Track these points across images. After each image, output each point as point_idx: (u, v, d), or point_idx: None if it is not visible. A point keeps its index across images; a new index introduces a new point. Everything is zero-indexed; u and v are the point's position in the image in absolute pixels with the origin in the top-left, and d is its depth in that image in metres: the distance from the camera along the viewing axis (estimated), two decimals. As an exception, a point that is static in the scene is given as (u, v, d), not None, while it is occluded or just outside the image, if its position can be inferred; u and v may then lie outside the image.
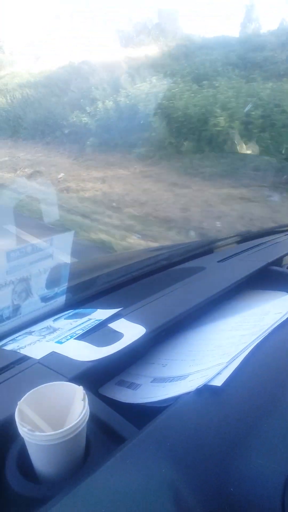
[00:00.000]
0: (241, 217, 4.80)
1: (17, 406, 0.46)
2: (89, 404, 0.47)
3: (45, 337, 0.72)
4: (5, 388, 0.58)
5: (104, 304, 0.85)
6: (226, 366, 0.59)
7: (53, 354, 0.65)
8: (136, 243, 4.30)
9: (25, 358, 0.65)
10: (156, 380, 0.65)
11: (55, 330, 0.75)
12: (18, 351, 0.68)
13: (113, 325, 0.74)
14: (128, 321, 0.75)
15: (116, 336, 0.70)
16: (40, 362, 0.64)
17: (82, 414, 0.45)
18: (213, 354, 0.66)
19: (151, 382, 0.65)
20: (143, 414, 0.54)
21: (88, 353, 0.65)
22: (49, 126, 11.17)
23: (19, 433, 0.45)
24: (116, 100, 9.51)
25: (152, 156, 7.71)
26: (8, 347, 0.70)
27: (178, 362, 0.68)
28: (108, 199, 6.09)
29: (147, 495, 0.42)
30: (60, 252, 0.82)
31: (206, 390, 0.55)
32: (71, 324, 0.76)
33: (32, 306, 0.80)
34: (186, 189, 6.10)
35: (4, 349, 0.70)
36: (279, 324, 0.72)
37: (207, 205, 5.31)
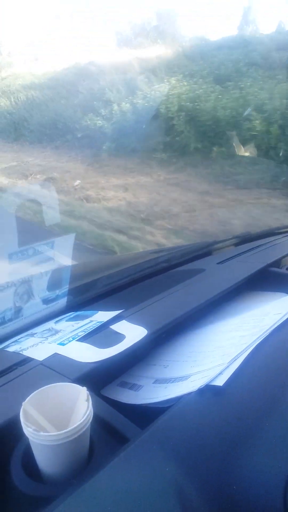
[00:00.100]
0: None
1: (22, 407, 0.47)
2: (92, 405, 0.48)
3: (47, 338, 0.73)
4: (9, 389, 0.59)
5: (105, 306, 0.85)
6: (227, 367, 0.60)
7: (55, 355, 0.66)
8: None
9: (28, 360, 0.66)
10: (158, 381, 0.65)
11: (57, 332, 0.75)
12: (20, 352, 0.69)
13: (115, 327, 0.75)
14: (129, 323, 0.76)
15: (118, 337, 0.71)
16: (43, 363, 0.64)
17: (86, 414, 0.46)
18: (214, 355, 0.67)
19: (153, 383, 0.65)
20: (146, 415, 0.54)
21: (90, 354, 0.65)
22: (58, 130, 10.60)
23: (24, 434, 0.45)
24: (133, 102, 8.92)
25: (176, 162, 7.17)
26: (11, 349, 0.71)
27: (179, 363, 0.69)
28: (135, 209, 5.49)
29: (150, 494, 0.43)
30: (61, 254, 0.83)
31: (207, 391, 0.56)
32: (73, 326, 0.77)
33: (34, 308, 0.81)
34: (221, 198, 5.50)
35: (7, 350, 0.71)
36: (279, 325, 0.72)
37: (250, 218, 4.76)
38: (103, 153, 8.44)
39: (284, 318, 0.75)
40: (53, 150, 10.00)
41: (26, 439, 0.46)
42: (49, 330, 0.77)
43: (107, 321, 0.77)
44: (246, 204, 5.21)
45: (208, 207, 5.25)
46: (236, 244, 1.36)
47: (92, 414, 0.47)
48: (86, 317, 0.80)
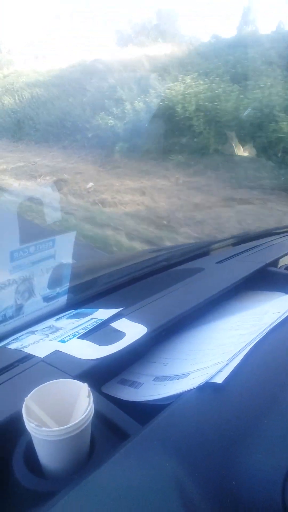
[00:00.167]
0: None
1: (24, 403, 0.47)
2: (93, 401, 0.48)
3: (48, 336, 0.73)
4: (11, 386, 0.59)
5: (106, 304, 0.86)
6: (227, 364, 0.60)
7: (56, 352, 0.67)
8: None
9: (29, 357, 0.67)
10: (157, 378, 0.66)
11: (57, 329, 0.76)
12: (22, 350, 0.69)
13: (115, 325, 0.75)
14: (129, 321, 0.76)
15: (118, 335, 0.71)
16: (44, 360, 0.65)
17: (88, 410, 0.47)
18: (214, 353, 0.67)
19: (153, 380, 0.66)
20: (146, 412, 0.55)
21: (91, 351, 0.66)
22: (66, 129, 10.20)
23: (26, 429, 0.46)
24: (146, 101, 8.49)
25: (194, 165, 6.76)
26: (12, 346, 0.71)
27: (179, 361, 0.70)
28: (155, 215, 5.10)
29: (151, 490, 0.43)
30: (62, 252, 0.84)
31: (207, 388, 0.57)
32: (74, 323, 0.77)
33: (35, 305, 0.82)
34: (248, 204, 5.11)
35: (8, 348, 0.71)
36: (278, 323, 0.73)
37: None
38: (116, 153, 8.08)
39: (283, 317, 0.75)
40: (61, 150, 9.61)
41: (28, 434, 0.47)
42: (50, 327, 0.77)
43: (108, 318, 0.77)
44: (276, 211, 4.83)
45: (235, 214, 4.84)
46: (235, 244, 1.37)
47: (93, 410, 0.48)
48: (87, 314, 0.81)
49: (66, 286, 0.86)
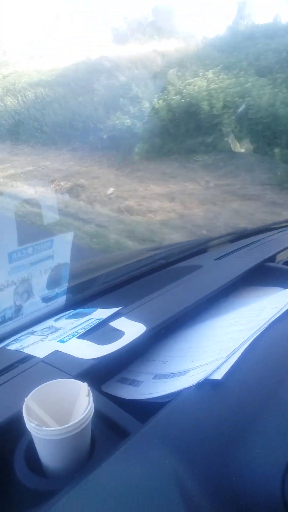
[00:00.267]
0: None
1: (25, 403, 0.48)
2: (93, 400, 0.48)
3: (47, 336, 0.74)
4: (11, 386, 0.60)
5: (104, 304, 0.86)
6: (226, 361, 0.61)
7: (56, 352, 0.67)
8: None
9: (28, 357, 0.67)
10: (157, 376, 0.66)
11: (57, 329, 0.76)
12: (21, 350, 0.69)
13: (114, 324, 0.76)
14: (128, 320, 0.77)
15: (117, 334, 0.72)
16: (44, 360, 0.65)
17: (88, 409, 0.47)
18: (212, 349, 0.68)
19: (152, 378, 0.66)
20: (146, 410, 0.55)
21: (90, 351, 0.66)
22: (76, 130, 9.42)
23: (27, 429, 0.46)
24: (166, 99, 7.73)
25: (224, 166, 6.10)
26: (12, 347, 0.72)
27: (178, 359, 0.70)
28: (193, 224, 4.60)
29: (151, 487, 0.44)
30: (60, 253, 0.84)
31: (206, 384, 0.57)
32: (73, 323, 0.77)
33: (34, 306, 0.82)
34: None
35: (8, 349, 0.72)
36: (276, 318, 0.73)
37: None
38: (134, 155, 7.35)
39: (281, 312, 0.76)
40: (71, 153, 8.93)
41: (29, 434, 0.47)
42: (49, 328, 0.78)
43: (107, 318, 0.78)
44: None
45: (285, 221, 4.35)
46: (233, 240, 1.37)
47: (93, 409, 0.48)
48: (86, 314, 0.81)
49: (64, 286, 0.86)
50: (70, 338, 0.71)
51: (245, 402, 0.54)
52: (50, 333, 0.75)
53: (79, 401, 0.50)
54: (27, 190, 6.94)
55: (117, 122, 8.19)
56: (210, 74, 7.78)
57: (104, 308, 0.83)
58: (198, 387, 0.57)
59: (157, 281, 1.04)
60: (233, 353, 0.63)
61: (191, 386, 0.57)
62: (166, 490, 0.43)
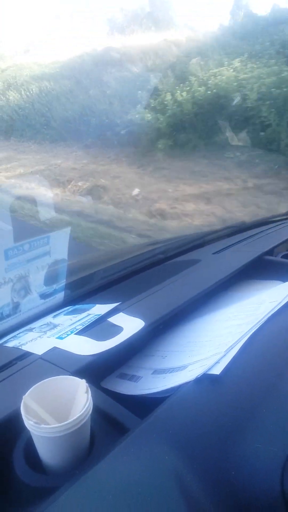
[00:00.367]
0: None
1: (23, 400, 0.48)
2: (92, 396, 0.48)
3: (45, 333, 0.73)
4: (9, 384, 0.59)
5: (103, 299, 0.86)
6: (224, 355, 0.61)
7: (54, 349, 0.67)
8: None
9: (27, 354, 0.67)
10: (156, 371, 0.66)
11: (55, 326, 0.76)
12: (20, 347, 0.69)
13: (112, 319, 0.76)
14: (127, 315, 0.76)
15: (116, 330, 0.71)
16: (42, 357, 0.65)
17: (86, 406, 0.47)
18: (211, 344, 0.68)
19: (152, 374, 0.66)
20: (145, 405, 0.55)
21: (89, 347, 0.66)
22: (88, 125, 8.68)
23: (25, 427, 0.46)
24: (191, 91, 7.08)
25: (261, 163, 5.48)
26: (10, 344, 0.72)
27: (177, 354, 0.70)
28: None
29: (151, 482, 0.43)
30: (57, 249, 0.83)
31: (205, 379, 0.57)
32: (71, 319, 0.77)
33: (32, 303, 0.82)
34: None
35: (6, 346, 0.72)
36: (274, 312, 0.73)
37: None
38: (157, 152, 6.71)
39: (279, 306, 0.76)
40: (84, 150, 8.17)
41: (28, 432, 0.47)
42: (47, 324, 0.78)
43: (105, 314, 0.77)
44: None
45: None
46: (231, 234, 1.36)
47: (92, 405, 0.48)
48: (84, 310, 0.81)
49: (62, 282, 0.86)
50: (68, 335, 0.70)
51: (244, 397, 0.54)
52: (48, 330, 0.74)
53: (78, 398, 0.50)
54: (44, 192, 6.26)
55: (137, 116, 7.53)
56: (236, 63, 7.18)
57: (102, 303, 0.82)
58: (196, 382, 0.56)
59: (155, 276, 1.04)
60: (231, 347, 0.63)
61: (190, 381, 0.57)
62: (166, 486, 0.43)
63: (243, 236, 1.27)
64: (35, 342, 0.70)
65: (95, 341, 0.68)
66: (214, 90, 6.78)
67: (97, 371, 0.64)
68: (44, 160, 8.16)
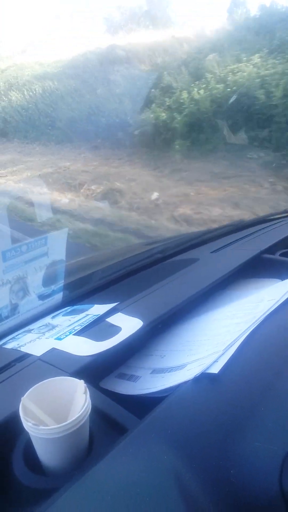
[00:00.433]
0: None
1: (21, 402, 0.48)
2: (91, 397, 0.48)
3: (44, 334, 0.73)
4: (8, 386, 0.59)
5: (101, 300, 0.86)
6: (223, 354, 0.61)
7: (53, 350, 0.67)
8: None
9: (26, 356, 0.67)
10: (155, 371, 0.66)
11: (54, 327, 0.76)
12: (18, 349, 0.69)
13: (111, 320, 0.76)
14: (125, 315, 0.76)
15: (114, 330, 0.71)
16: (41, 358, 0.65)
17: (85, 407, 0.47)
18: (210, 343, 0.68)
19: (150, 373, 0.66)
20: (144, 405, 0.55)
21: (87, 348, 0.66)
22: (96, 126, 8.29)
23: (24, 428, 0.46)
24: (208, 88, 6.69)
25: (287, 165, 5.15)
26: (9, 346, 0.72)
27: (175, 353, 0.70)
28: None
29: (150, 482, 0.43)
30: (55, 250, 0.83)
31: (203, 378, 0.57)
32: (70, 320, 0.77)
33: (30, 304, 0.82)
34: None
35: (5, 347, 0.72)
36: (273, 310, 0.73)
37: None
38: (174, 153, 6.32)
39: (278, 304, 0.75)
40: (92, 151, 7.80)
41: (27, 433, 0.47)
42: (46, 325, 0.78)
43: (103, 314, 0.77)
44: None
45: None
46: (230, 232, 1.36)
47: (91, 406, 0.48)
48: (82, 311, 0.81)
49: (61, 283, 0.86)
50: (67, 335, 0.70)
51: (242, 395, 0.54)
52: (47, 331, 0.74)
53: (76, 399, 0.50)
54: (57, 197, 5.73)
55: (151, 116, 7.09)
56: (256, 58, 6.79)
57: (100, 304, 0.83)
58: (195, 382, 0.56)
59: (153, 275, 1.04)
60: (230, 346, 0.63)
61: (188, 381, 0.57)
62: (165, 485, 0.43)
63: (241, 235, 1.27)
64: (33, 343, 0.70)
65: (94, 341, 0.68)
66: (234, 87, 6.43)
67: (95, 372, 0.65)
68: (51, 163, 7.81)
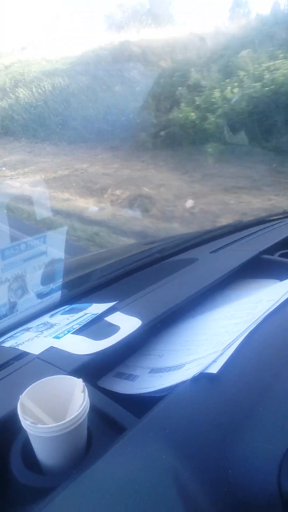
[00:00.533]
0: None
1: (19, 400, 0.48)
2: (89, 396, 0.48)
3: (42, 332, 0.73)
4: (6, 384, 0.59)
5: (100, 298, 0.86)
6: (221, 354, 0.61)
7: (51, 349, 0.67)
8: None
9: (24, 354, 0.67)
10: (153, 370, 0.66)
11: (52, 325, 0.76)
12: (16, 347, 0.69)
13: (109, 319, 0.75)
14: (124, 314, 0.76)
15: (113, 329, 0.71)
16: (39, 357, 0.65)
17: (83, 405, 0.47)
18: (208, 343, 0.67)
19: (149, 373, 0.66)
20: (142, 404, 0.55)
21: (86, 346, 0.66)
22: (113, 125, 7.75)
23: (22, 427, 0.46)
24: (243, 87, 6.25)
25: None
26: (7, 344, 0.71)
27: (174, 353, 0.70)
28: None
29: (148, 481, 0.43)
30: (54, 248, 0.83)
31: (202, 378, 0.57)
32: (68, 319, 0.77)
33: (29, 303, 0.81)
34: None
35: (3, 346, 0.71)
36: (272, 311, 0.73)
37: None
38: (206, 157, 5.78)
39: (277, 304, 0.75)
40: (110, 152, 7.25)
41: (25, 432, 0.47)
42: (44, 324, 0.77)
43: (102, 313, 0.77)
44: None
45: None
46: (229, 233, 1.36)
47: (89, 405, 0.48)
48: (81, 310, 0.81)
49: (59, 282, 0.86)
50: (65, 334, 0.70)
51: (241, 396, 0.54)
52: (45, 329, 0.74)
53: (75, 398, 0.50)
54: (81, 204, 5.17)
55: (180, 116, 6.54)
56: None
57: (99, 303, 0.82)
58: (193, 381, 0.56)
59: (152, 275, 1.04)
60: (228, 346, 0.63)
61: (187, 380, 0.57)
62: (163, 485, 0.43)
63: (240, 235, 1.27)
64: (32, 341, 0.70)
65: (92, 340, 0.68)
66: (272, 86, 5.92)
67: (94, 371, 0.64)
68: (65, 164, 7.20)
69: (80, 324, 0.73)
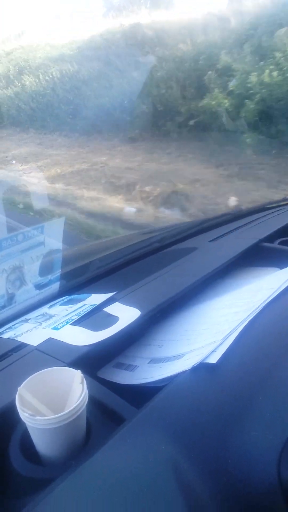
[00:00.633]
0: None
1: (18, 392, 0.47)
2: (88, 387, 0.48)
3: (41, 324, 0.73)
4: (4, 375, 0.59)
5: (98, 289, 0.85)
6: (221, 344, 0.60)
7: (50, 340, 0.66)
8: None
9: (22, 346, 0.66)
10: (153, 361, 0.66)
11: (51, 316, 0.75)
12: (15, 338, 0.69)
13: (108, 309, 0.75)
14: (122, 305, 0.76)
15: (112, 319, 0.71)
16: (38, 348, 0.65)
17: (81, 397, 0.46)
18: (208, 332, 0.67)
19: (148, 363, 0.66)
20: (142, 395, 0.55)
21: (84, 337, 0.66)
22: (132, 115, 7.05)
23: (21, 418, 0.46)
24: (282, 70, 5.46)
25: None
26: (5, 335, 0.71)
27: (174, 342, 0.69)
28: None
29: (147, 472, 0.43)
30: (52, 239, 0.82)
31: (201, 368, 0.57)
32: (67, 310, 0.77)
33: (27, 294, 0.81)
34: None
35: (1, 337, 0.71)
36: (272, 299, 0.73)
37: None
38: (242, 148, 5.22)
39: (277, 293, 0.75)
40: (129, 144, 6.58)
41: (24, 423, 0.46)
42: (43, 315, 0.77)
43: (101, 303, 0.77)
44: None
45: None
46: (228, 221, 1.35)
47: (88, 396, 0.47)
48: (80, 300, 0.80)
49: (57, 272, 0.85)
50: (64, 325, 0.70)
51: (241, 385, 0.54)
52: (44, 321, 0.74)
53: (74, 389, 0.49)
54: (112, 203, 4.60)
55: (213, 103, 5.82)
56: None
57: (98, 293, 0.82)
58: (193, 371, 0.56)
59: (151, 264, 1.03)
60: (228, 335, 0.62)
61: (186, 370, 0.57)
62: (163, 475, 0.43)
63: (240, 223, 1.26)
64: (30, 333, 0.70)
65: (91, 331, 0.68)
66: None
67: (93, 361, 0.64)
68: (82, 157, 6.57)
69: (79, 315, 0.73)
